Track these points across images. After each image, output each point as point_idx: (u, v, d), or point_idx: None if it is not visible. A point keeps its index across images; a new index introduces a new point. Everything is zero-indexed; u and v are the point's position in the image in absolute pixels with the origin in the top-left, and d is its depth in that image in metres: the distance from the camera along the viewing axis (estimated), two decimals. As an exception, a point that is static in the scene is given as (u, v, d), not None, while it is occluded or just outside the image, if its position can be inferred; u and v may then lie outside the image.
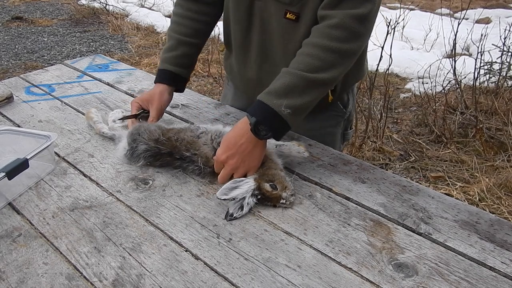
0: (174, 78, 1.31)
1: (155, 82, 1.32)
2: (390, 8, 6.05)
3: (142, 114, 1.28)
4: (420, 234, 0.96)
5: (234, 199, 0.98)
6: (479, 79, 3.38)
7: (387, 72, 3.32)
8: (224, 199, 0.97)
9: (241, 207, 0.99)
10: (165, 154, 1.12)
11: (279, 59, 1.23)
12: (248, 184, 1.01)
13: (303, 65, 1.02)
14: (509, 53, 3.41)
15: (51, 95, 1.54)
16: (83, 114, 1.41)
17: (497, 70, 3.49)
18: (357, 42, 1.04)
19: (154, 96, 1.28)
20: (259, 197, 1.01)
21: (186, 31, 1.32)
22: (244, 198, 0.99)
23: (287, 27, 1.16)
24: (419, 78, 4.09)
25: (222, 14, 1.36)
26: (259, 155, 1.06)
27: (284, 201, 1.01)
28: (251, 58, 1.29)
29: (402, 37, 5.16)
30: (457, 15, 5.41)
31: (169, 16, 6.23)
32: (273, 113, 1.01)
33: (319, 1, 1.08)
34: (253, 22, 1.23)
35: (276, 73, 1.15)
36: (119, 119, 1.32)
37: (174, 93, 1.34)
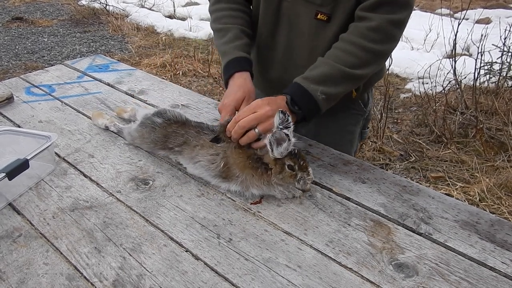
0: (251, 65, 1.23)
1: (235, 72, 1.19)
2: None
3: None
4: (420, 234, 0.95)
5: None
6: (479, 79, 3.38)
7: (387, 72, 3.32)
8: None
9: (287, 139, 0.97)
10: (178, 123, 1.16)
11: (305, 59, 1.24)
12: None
13: (341, 60, 1.08)
14: (509, 53, 3.41)
15: (51, 95, 1.54)
16: (84, 114, 1.42)
17: (497, 70, 3.49)
18: (392, 44, 1.12)
19: (250, 93, 1.17)
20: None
21: (243, 22, 1.28)
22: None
23: (317, 27, 1.19)
24: (419, 78, 4.09)
25: None
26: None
27: (299, 179, 1.01)
28: (276, 58, 1.30)
29: (402, 37, 5.15)
30: (457, 15, 5.41)
31: (169, 17, 6.24)
32: (309, 96, 1.07)
33: (351, 1, 1.13)
34: (281, 22, 1.24)
35: (300, 73, 1.20)
36: (212, 141, 1.09)
37: (174, 94, 1.33)
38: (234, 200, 1.05)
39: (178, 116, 1.18)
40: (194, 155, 1.09)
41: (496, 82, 3.58)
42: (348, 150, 1.39)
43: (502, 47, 3.40)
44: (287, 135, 0.96)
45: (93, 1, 6.54)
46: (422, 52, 4.86)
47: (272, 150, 0.98)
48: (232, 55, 1.21)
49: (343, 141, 1.38)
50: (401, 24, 1.11)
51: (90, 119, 1.39)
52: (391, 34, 1.10)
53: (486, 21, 5.48)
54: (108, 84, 1.65)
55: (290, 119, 0.97)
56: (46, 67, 1.82)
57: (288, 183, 1.02)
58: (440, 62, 3.82)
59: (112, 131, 1.31)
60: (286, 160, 1.01)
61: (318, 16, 1.16)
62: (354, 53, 1.09)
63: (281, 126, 0.97)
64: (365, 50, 1.09)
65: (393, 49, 1.15)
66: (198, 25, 5.76)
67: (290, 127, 0.97)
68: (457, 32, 3.28)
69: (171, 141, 1.14)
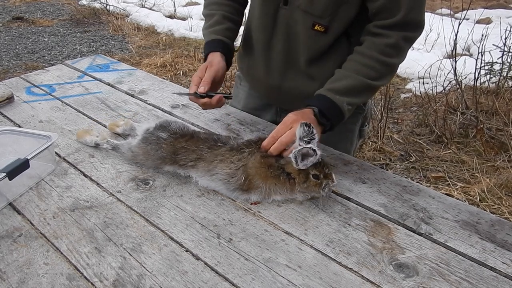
0: (225, 47, 1.30)
1: (207, 53, 1.28)
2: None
3: (199, 94, 1.19)
4: (420, 234, 0.95)
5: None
6: (480, 79, 3.38)
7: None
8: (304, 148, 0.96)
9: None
10: (185, 137, 1.11)
11: (304, 66, 1.26)
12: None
13: (363, 73, 1.14)
14: (510, 54, 3.41)
15: (51, 95, 1.54)
16: (84, 114, 1.42)
17: (497, 70, 3.49)
18: (403, 57, 1.18)
19: (212, 62, 1.25)
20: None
21: (228, 9, 1.35)
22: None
23: (314, 38, 1.20)
24: (419, 78, 4.08)
25: (246, 19, 1.39)
26: (319, 133, 1.08)
27: (324, 186, 1.01)
28: (274, 65, 1.31)
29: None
30: (458, 15, 5.40)
31: (169, 17, 6.24)
32: (336, 107, 1.12)
33: (350, 14, 1.16)
34: (278, 29, 1.25)
35: (300, 80, 1.26)
36: (175, 93, 1.35)
37: (174, 93, 1.34)
38: (234, 200, 1.05)
39: (183, 128, 1.13)
40: (212, 168, 1.05)
41: (497, 82, 3.58)
42: (347, 148, 1.39)
43: (502, 47, 3.40)
44: (314, 150, 0.96)
45: (94, 1, 6.54)
46: (422, 52, 4.85)
47: (297, 163, 0.98)
48: (208, 38, 1.31)
49: (343, 140, 1.39)
50: (413, 41, 1.17)
51: (91, 119, 1.39)
52: (405, 49, 1.17)
53: (487, 21, 5.47)
54: (109, 84, 1.65)
55: (314, 131, 0.98)
56: (46, 67, 1.82)
57: (312, 191, 1.02)
58: (441, 62, 3.82)
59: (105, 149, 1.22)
60: (310, 170, 1.00)
61: (316, 27, 1.18)
62: (374, 67, 1.14)
63: (306, 139, 0.97)
64: (384, 65, 1.14)
65: (403, 61, 1.21)
66: (199, 25, 5.75)
67: (314, 139, 0.98)
68: (457, 32, 3.28)
69: (181, 158, 1.08)
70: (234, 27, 1.35)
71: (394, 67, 1.19)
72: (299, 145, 0.98)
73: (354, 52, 1.18)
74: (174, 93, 1.42)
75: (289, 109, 1.14)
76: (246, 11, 1.40)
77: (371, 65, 1.14)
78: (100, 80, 1.68)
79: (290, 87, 1.30)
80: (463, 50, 4.58)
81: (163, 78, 1.79)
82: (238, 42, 1.41)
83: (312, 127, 0.98)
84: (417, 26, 1.15)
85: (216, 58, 1.26)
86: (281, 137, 1.04)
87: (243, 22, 1.41)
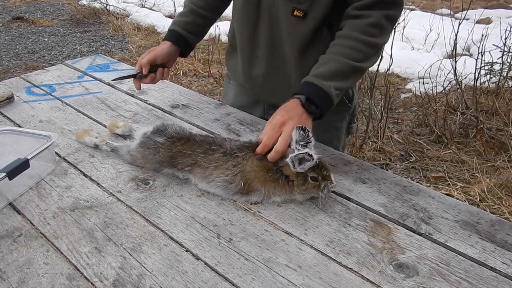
0: (180, 40, 1.42)
1: (164, 40, 1.44)
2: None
3: (140, 75, 1.37)
4: (420, 234, 0.95)
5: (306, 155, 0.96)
6: (480, 79, 3.38)
7: (387, 72, 3.32)
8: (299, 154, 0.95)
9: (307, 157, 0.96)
10: (182, 140, 1.10)
11: (288, 53, 1.27)
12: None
13: (347, 55, 1.13)
14: (510, 54, 3.41)
15: (51, 95, 1.54)
16: (84, 114, 1.42)
17: (497, 70, 3.49)
18: (387, 36, 1.19)
19: (156, 48, 1.40)
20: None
21: (199, 3, 1.43)
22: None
23: (294, 24, 1.21)
24: (419, 78, 4.09)
25: (231, 14, 1.41)
26: (309, 123, 1.08)
27: (323, 188, 1.00)
28: (259, 53, 1.32)
29: (402, 37, 5.15)
30: (458, 15, 5.40)
31: (169, 17, 6.24)
32: (324, 92, 1.10)
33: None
34: (261, 17, 1.27)
35: (284, 67, 1.26)
36: (114, 80, 1.48)
37: (175, 94, 1.36)
38: (234, 200, 1.05)
39: (180, 132, 1.12)
40: (208, 174, 1.04)
41: (497, 82, 3.58)
42: (335, 146, 1.39)
43: (502, 47, 3.40)
44: (310, 155, 0.95)
45: (94, 1, 6.54)
46: (422, 52, 4.85)
47: (295, 167, 0.98)
48: (170, 26, 1.45)
49: (329, 137, 1.39)
50: (395, 19, 1.18)
51: (91, 119, 1.39)
52: (387, 28, 1.16)
53: (487, 21, 5.47)
54: (109, 84, 1.65)
55: (310, 134, 0.97)
56: (46, 67, 1.82)
57: (311, 193, 1.02)
58: (441, 62, 3.82)
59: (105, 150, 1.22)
60: (308, 173, 0.99)
61: (295, 13, 1.19)
62: (358, 48, 1.13)
63: (302, 143, 0.97)
64: (368, 45, 1.14)
65: (387, 41, 1.21)
66: (199, 25, 5.74)
67: (311, 142, 0.97)
68: (457, 32, 3.28)
69: (179, 162, 1.08)
70: (200, 22, 1.44)
71: (379, 48, 1.18)
72: (296, 148, 0.97)
73: (337, 37, 1.17)
74: (114, 80, 1.50)
75: (275, 104, 1.14)
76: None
77: (355, 47, 1.13)
78: (100, 80, 1.68)
79: (275, 75, 1.32)
80: (463, 50, 4.59)
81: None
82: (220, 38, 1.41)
83: (308, 131, 0.97)
84: (397, 4, 1.16)
85: (162, 46, 1.40)
86: (276, 146, 1.02)
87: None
